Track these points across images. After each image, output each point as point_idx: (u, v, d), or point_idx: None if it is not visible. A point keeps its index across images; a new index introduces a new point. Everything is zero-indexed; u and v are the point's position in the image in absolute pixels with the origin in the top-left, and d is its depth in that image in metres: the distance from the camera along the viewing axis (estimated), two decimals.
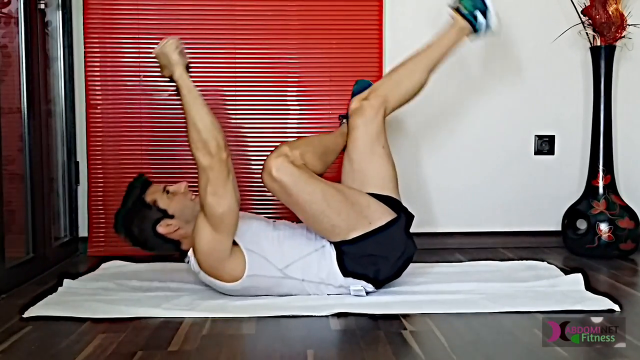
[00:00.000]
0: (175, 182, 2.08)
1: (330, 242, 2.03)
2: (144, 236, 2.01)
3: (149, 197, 2.02)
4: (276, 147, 2.03)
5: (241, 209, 2.01)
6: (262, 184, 2.76)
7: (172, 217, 2.00)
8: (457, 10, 2.28)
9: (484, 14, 2.26)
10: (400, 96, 2.23)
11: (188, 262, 2.03)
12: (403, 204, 2.16)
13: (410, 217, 2.13)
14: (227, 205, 1.90)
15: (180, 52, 1.98)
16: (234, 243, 1.97)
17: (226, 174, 1.90)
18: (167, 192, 2.03)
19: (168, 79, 2.01)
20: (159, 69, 2.02)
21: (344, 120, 2.29)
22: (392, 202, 2.11)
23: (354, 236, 2.01)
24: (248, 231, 2.01)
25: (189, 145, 1.92)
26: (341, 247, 2.01)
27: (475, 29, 2.29)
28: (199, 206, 1.98)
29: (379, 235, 2.02)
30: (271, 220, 2.18)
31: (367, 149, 2.14)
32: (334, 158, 2.23)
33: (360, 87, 2.35)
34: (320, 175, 2.07)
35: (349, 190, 2.07)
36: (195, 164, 2.68)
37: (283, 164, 1.95)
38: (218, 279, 1.98)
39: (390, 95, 2.19)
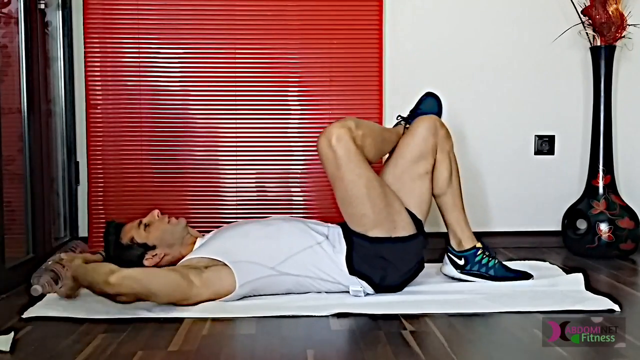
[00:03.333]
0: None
1: (333, 239, 2.04)
2: None
3: (125, 238, 2.03)
4: (342, 118, 2.02)
5: (234, 214, 1.98)
6: (264, 185, 2.81)
7: (153, 247, 2.03)
8: (485, 248, 2.26)
9: (466, 270, 2.24)
10: (446, 169, 2.20)
11: None
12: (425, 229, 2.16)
13: (426, 242, 2.15)
14: (159, 290, 1.83)
15: (45, 283, 1.88)
16: (219, 261, 1.96)
17: (130, 282, 1.79)
18: (144, 224, 2.05)
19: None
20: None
21: (402, 122, 2.27)
22: (417, 223, 2.11)
23: (375, 235, 2.01)
24: (228, 246, 2.01)
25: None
26: (353, 238, 2.01)
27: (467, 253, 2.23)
28: (179, 227, 2.05)
29: (398, 244, 2.03)
30: (263, 219, 2.18)
31: (414, 159, 2.12)
32: (386, 152, 2.21)
33: (432, 101, 2.34)
34: (370, 164, 2.06)
35: (390, 190, 2.08)
36: (195, 166, 2.70)
37: (345, 136, 1.94)
38: (214, 299, 1.96)
39: (450, 154, 2.19)
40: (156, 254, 2.03)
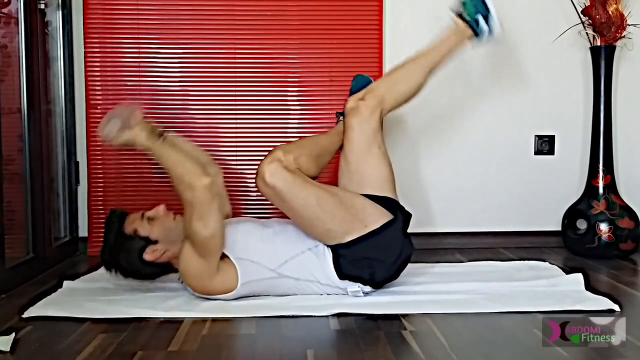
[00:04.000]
0: (154, 206, 2.08)
1: (326, 245, 2.03)
2: (134, 267, 2.02)
3: (128, 228, 2.01)
4: (269, 151, 2.03)
5: (235, 213, 2.00)
6: None
7: (155, 242, 2.00)
8: (459, 15, 2.27)
9: (486, 19, 2.25)
10: (397, 98, 2.21)
11: (182, 282, 2.05)
12: (401, 203, 2.15)
13: (407, 217, 2.13)
14: (213, 228, 1.90)
15: (122, 123, 1.97)
16: (223, 255, 1.97)
17: (210, 199, 1.89)
18: (147, 217, 2.03)
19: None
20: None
21: (341, 118, 2.28)
22: (389, 203, 2.10)
23: (350, 239, 2.00)
24: (236, 239, 2.01)
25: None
26: (337, 250, 2.01)
27: (476, 34, 2.27)
28: (182, 225, 2.02)
29: (375, 238, 2.02)
30: (260, 220, 2.18)
31: (363, 149, 2.12)
32: (330, 159, 2.22)
33: (359, 83, 2.34)
34: (315, 177, 2.07)
35: (344, 193, 2.07)
36: None
37: (277, 169, 1.94)
38: (213, 294, 1.98)
39: (387, 96, 2.18)
40: (157, 249, 2.00)
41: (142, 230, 2.00)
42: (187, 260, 1.94)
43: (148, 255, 1.99)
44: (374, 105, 2.14)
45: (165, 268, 2.04)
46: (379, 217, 2.05)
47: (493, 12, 2.25)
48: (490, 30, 2.26)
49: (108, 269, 2.06)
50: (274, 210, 2.76)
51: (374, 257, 2.01)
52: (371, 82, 2.34)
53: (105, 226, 2.06)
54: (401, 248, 2.06)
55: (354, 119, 2.13)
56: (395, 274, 2.08)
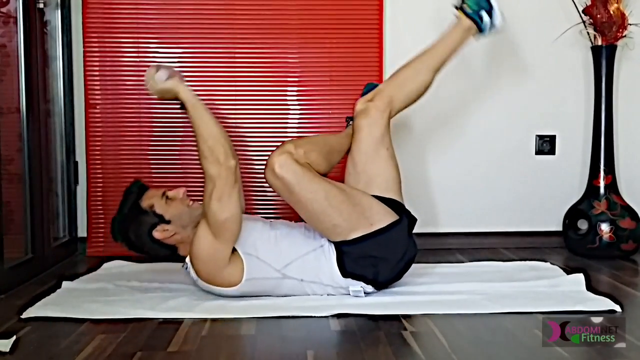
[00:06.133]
0: (175, 186, 2.08)
1: (330, 242, 2.03)
2: (141, 241, 2.02)
3: (145, 202, 2.01)
4: (280, 144, 2.02)
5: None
6: (263, 184, 2.80)
7: (168, 222, 2.00)
8: (462, 9, 2.27)
9: (489, 13, 2.26)
10: (406, 97, 2.23)
11: (186, 268, 2.03)
12: (406, 206, 2.15)
13: (412, 220, 2.13)
14: (231, 212, 1.89)
15: (169, 75, 2.00)
16: (233, 249, 1.96)
17: (233, 181, 1.90)
18: (166, 197, 2.03)
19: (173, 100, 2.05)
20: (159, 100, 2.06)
21: (350, 122, 2.28)
22: (395, 205, 2.10)
23: (355, 236, 2.00)
24: (245, 234, 2.00)
25: (198, 156, 1.94)
26: (341, 247, 2.01)
27: (480, 29, 2.28)
28: (197, 212, 2.01)
29: (380, 237, 2.02)
30: (268, 220, 2.17)
31: (371, 150, 2.13)
32: (339, 158, 2.21)
33: (369, 90, 2.35)
34: (324, 175, 2.06)
35: (352, 190, 2.07)
36: (195, 166, 2.66)
37: (286, 162, 1.93)
38: (216, 286, 1.97)
39: (395, 97, 2.19)
40: (167, 230, 2.00)
41: (159, 207, 2.00)
42: (202, 238, 1.92)
43: (158, 234, 1.99)
44: (383, 107, 2.16)
45: (170, 250, 2.04)
46: (385, 217, 2.04)
47: (495, 6, 2.27)
48: (493, 24, 2.27)
49: (115, 237, 2.05)
50: (273, 210, 2.77)
51: (378, 256, 2.00)
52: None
53: (124, 194, 2.06)
54: (405, 248, 2.06)
55: (363, 121, 2.15)
56: (399, 275, 2.08)
